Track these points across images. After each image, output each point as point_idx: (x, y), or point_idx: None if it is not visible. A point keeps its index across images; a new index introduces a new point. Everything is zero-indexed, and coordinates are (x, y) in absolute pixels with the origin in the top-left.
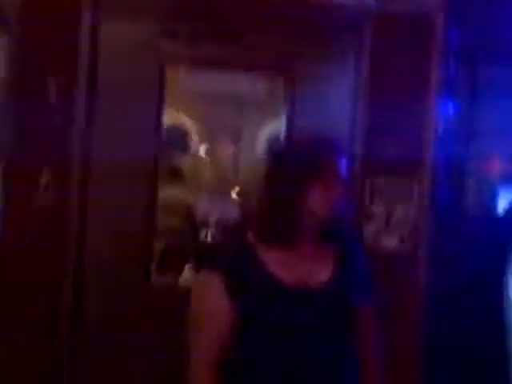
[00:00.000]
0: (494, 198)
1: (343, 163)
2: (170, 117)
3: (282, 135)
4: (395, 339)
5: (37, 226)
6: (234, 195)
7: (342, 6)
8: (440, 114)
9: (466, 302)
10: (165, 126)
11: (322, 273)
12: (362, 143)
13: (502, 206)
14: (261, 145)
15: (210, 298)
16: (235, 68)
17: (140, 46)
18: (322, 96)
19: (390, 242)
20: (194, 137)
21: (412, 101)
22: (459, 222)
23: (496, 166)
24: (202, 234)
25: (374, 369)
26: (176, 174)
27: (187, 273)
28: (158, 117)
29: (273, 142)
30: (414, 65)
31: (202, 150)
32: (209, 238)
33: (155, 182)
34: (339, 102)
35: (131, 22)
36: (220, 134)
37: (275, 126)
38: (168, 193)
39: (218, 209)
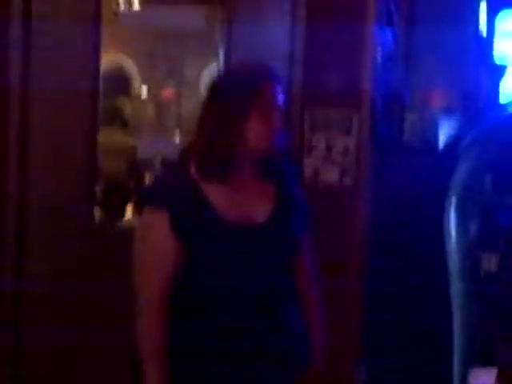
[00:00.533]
0: (434, 130)
1: (279, 89)
2: (111, 56)
3: (221, 67)
4: (335, 273)
5: None
6: (176, 138)
7: None
8: (378, 42)
9: (405, 236)
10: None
11: (263, 208)
12: (300, 73)
13: (442, 138)
14: (203, 85)
15: (155, 235)
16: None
17: None
18: (260, 24)
19: (331, 175)
20: (136, 78)
21: (350, 30)
22: (399, 154)
23: (437, 98)
24: (145, 175)
25: (314, 304)
26: (117, 116)
27: (129, 213)
28: (96, 53)
29: None
30: None
31: (144, 92)
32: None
33: (94, 122)
34: (277, 31)
35: None
36: (162, 75)
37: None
38: (110, 135)
39: (161, 151)
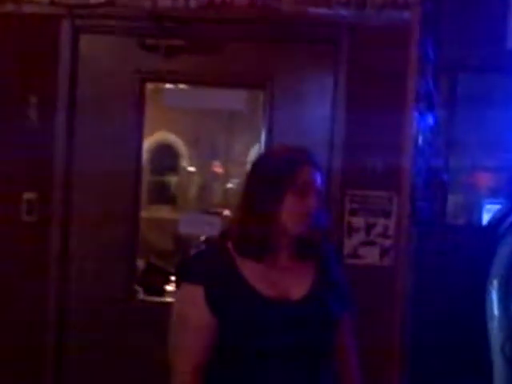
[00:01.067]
0: (477, 211)
1: (316, 173)
2: (160, 135)
3: (263, 148)
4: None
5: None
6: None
7: (318, 19)
8: (418, 126)
9: (449, 316)
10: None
11: (300, 286)
12: (340, 156)
13: (485, 219)
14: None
15: (191, 309)
16: (215, 84)
17: (119, 60)
18: (301, 110)
19: (371, 256)
20: (184, 155)
21: (390, 113)
22: (441, 234)
23: (480, 180)
24: (189, 252)
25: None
26: (165, 193)
27: (171, 288)
28: (139, 133)
29: None
30: (391, 77)
31: (192, 169)
32: None
33: (137, 199)
34: (318, 116)
35: (110, 36)
36: (209, 154)
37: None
38: (156, 211)
39: (205, 229)
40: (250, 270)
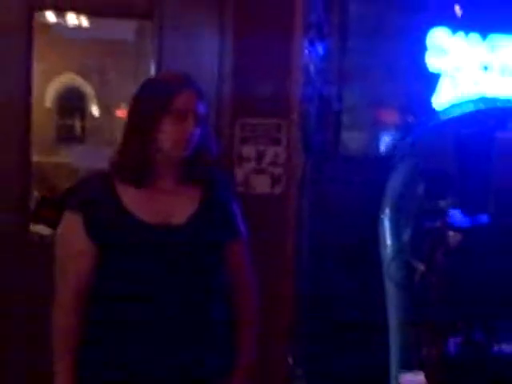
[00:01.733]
0: (372, 142)
1: (196, 98)
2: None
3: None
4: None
5: None
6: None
7: None
8: (309, 55)
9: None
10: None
11: (183, 210)
12: (230, 85)
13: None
14: None
15: (72, 238)
16: (103, 13)
17: None
18: (189, 40)
19: (262, 184)
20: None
21: (278, 42)
22: (336, 164)
23: (378, 114)
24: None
25: (248, 302)
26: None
27: None
28: (27, 65)
29: None
30: (279, 6)
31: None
32: None
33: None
34: (206, 46)
35: None
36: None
37: None
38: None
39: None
40: (131, 196)
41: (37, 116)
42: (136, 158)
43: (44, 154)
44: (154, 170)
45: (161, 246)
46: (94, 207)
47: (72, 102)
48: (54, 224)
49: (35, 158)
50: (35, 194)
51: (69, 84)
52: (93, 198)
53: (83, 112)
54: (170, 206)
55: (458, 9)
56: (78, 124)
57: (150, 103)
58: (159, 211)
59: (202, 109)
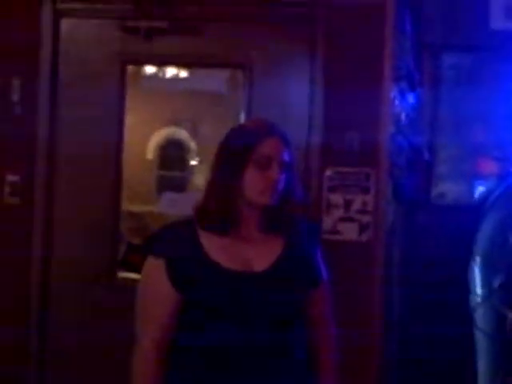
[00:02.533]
0: (465, 191)
1: (281, 145)
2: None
3: None
4: (353, 329)
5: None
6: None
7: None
8: (400, 104)
9: (435, 292)
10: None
11: (266, 258)
12: (319, 134)
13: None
14: None
15: (154, 284)
16: (197, 65)
17: (100, 43)
18: (279, 89)
19: (350, 231)
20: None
21: (368, 91)
22: (425, 213)
23: (482, 164)
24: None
25: (326, 355)
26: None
27: None
28: (120, 116)
29: None
30: (368, 55)
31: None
32: None
33: (119, 187)
34: (296, 95)
35: (91, 19)
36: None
37: None
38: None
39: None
40: (213, 244)
41: (138, 167)
42: (220, 205)
43: (145, 204)
44: (237, 218)
45: (242, 292)
46: (176, 253)
47: (172, 154)
48: (140, 269)
49: (136, 208)
50: (132, 241)
51: (169, 136)
52: (176, 244)
53: (183, 163)
54: (253, 254)
55: None
56: (177, 175)
57: (235, 151)
58: (242, 258)
59: (286, 157)
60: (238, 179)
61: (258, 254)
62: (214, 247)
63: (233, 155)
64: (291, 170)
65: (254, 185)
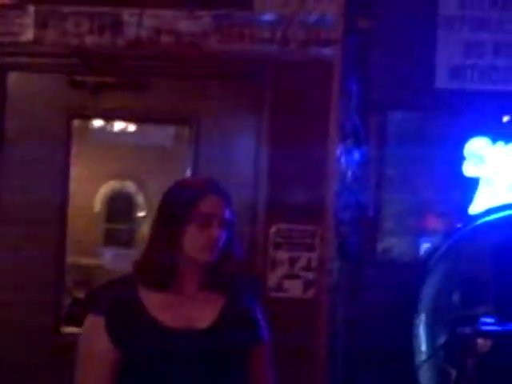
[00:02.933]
0: (409, 248)
1: (222, 202)
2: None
3: None
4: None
5: None
6: None
7: (242, 56)
8: (346, 161)
9: (379, 351)
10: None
11: (205, 315)
12: (265, 191)
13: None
14: None
15: (93, 341)
16: (142, 120)
17: (47, 97)
18: (226, 146)
19: (294, 289)
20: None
21: (314, 148)
22: (370, 269)
23: (425, 221)
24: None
25: None
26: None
27: None
28: (65, 170)
29: None
30: (315, 113)
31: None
32: None
33: (63, 239)
34: (242, 152)
35: (38, 73)
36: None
37: None
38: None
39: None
40: (154, 300)
41: (85, 220)
42: (160, 261)
43: (91, 257)
44: (177, 275)
45: (183, 350)
46: (116, 310)
47: (119, 207)
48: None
49: (82, 260)
50: (77, 295)
51: (116, 189)
52: (115, 300)
53: (130, 216)
54: (194, 311)
55: (506, 118)
56: (124, 228)
57: (175, 207)
58: (182, 316)
59: (228, 214)
60: (178, 235)
61: (198, 312)
62: (154, 304)
63: (174, 211)
64: (232, 228)
65: (195, 242)
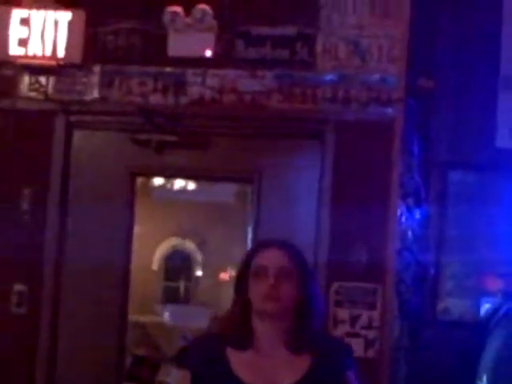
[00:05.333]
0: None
1: (273, 253)
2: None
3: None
4: None
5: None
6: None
7: (304, 115)
8: (406, 220)
9: None
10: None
11: (290, 375)
12: (326, 249)
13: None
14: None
15: None
16: (205, 178)
17: (112, 155)
18: (288, 204)
19: (355, 348)
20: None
21: (375, 207)
22: (431, 329)
23: (487, 281)
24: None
25: None
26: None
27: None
28: (129, 226)
29: None
30: (376, 172)
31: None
32: None
33: (125, 297)
34: (304, 210)
35: (103, 131)
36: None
37: None
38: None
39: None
40: (238, 359)
41: (144, 278)
42: (235, 319)
43: (149, 315)
44: (255, 331)
45: None
46: (202, 366)
47: (178, 265)
48: (146, 383)
49: (141, 318)
50: (137, 352)
51: (175, 247)
52: (202, 357)
53: (188, 274)
54: (277, 370)
55: None
56: (182, 285)
57: (241, 267)
58: (265, 374)
59: (286, 263)
60: (245, 292)
61: (283, 371)
62: (239, 362)
63: (239, 268)
64: (303, 277)
65: (255, 292)
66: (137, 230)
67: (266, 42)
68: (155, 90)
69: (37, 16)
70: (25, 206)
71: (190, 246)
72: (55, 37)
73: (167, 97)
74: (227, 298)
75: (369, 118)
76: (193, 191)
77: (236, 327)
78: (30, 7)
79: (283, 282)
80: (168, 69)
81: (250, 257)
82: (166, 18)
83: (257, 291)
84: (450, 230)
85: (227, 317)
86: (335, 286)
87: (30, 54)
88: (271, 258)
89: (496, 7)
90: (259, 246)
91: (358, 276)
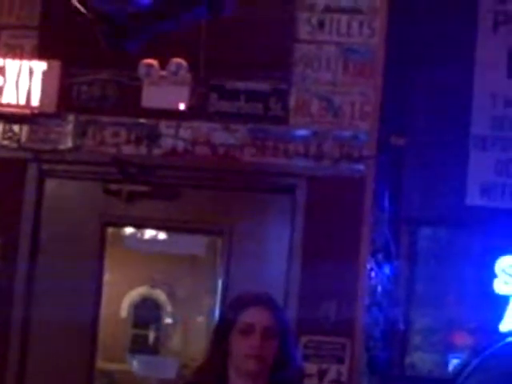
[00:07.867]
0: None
1: (259, 312)
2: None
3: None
4: None
5: None
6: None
7: (277, 169)
8: (376, 276)
9: None
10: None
11: None
12: (296, 303)
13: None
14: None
15: None
16: (176, 229)
17: (83, 204)
18: (258, 257)
19: None
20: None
21: (344, 262)
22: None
23: (455, 337)
24: None
25: None
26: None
27: None
28: (99, 275)
29: None
30: (346, 227)
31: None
32: None
33: (94, 346)
34: (274, 264)
35: (75, 180)
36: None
37: None
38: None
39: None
40: None
41: (111, 326)
42: (214, 370)
43: (117, 363)
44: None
45: None
46: None
47: (147, 313)
48: None
49: (108, 366)
50: None
51: (145, 295)
52: None
53: (157, 323)
54: None
55: None
56: (151, 334)
57: (224, 318)
58: None
59: (273, 324)
60: (226, 344)
61: None
62: None
63: (222, 321)
64: (285, 337)
65: (239, 351)
66: (107, 277)
67: (240, 96)
68: (128, 141)
69: (12, 65)
70: None
71: (159, 295)
72: (30, 86)
73: (140, 147)
74: (196, 348)
75: (340, 174)
76: (164, 241)
77: (212, 378)
78: (5, 56)
79: (268, 342)
80: (142, 120)
81: (236, 311)
82: (141, 70)
83: (241, 349)
84: (419, 285)
85: (203, 367)
86: (304, 339)
87: (4, 102)
88: (259, 317)
89: (468, 68)
90: (247, 302)
91: (327, 330)
